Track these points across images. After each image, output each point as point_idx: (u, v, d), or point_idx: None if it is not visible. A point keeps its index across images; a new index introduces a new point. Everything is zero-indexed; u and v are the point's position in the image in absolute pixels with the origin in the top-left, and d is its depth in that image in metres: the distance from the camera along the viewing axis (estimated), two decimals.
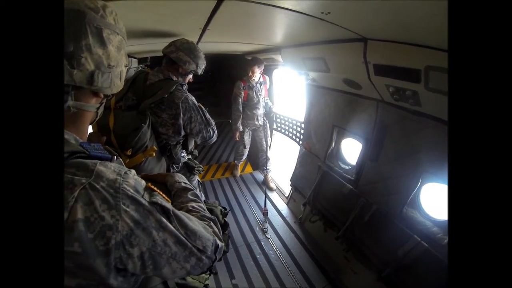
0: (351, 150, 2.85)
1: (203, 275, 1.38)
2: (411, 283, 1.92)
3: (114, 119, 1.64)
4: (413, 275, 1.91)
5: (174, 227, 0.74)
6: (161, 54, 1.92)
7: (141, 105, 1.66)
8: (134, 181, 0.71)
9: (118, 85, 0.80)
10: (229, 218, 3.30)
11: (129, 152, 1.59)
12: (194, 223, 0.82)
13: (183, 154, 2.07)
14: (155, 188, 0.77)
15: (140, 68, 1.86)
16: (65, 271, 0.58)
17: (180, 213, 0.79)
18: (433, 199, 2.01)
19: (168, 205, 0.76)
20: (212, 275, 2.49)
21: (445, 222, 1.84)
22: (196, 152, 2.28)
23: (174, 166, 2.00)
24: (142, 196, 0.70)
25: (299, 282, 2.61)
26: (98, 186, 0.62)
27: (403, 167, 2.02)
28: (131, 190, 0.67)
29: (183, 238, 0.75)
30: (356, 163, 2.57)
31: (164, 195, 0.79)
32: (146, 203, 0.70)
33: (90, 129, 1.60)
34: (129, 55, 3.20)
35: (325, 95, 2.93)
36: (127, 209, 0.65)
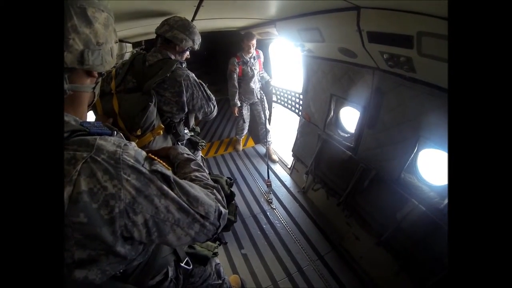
0: (349, 118, 2.88)
1: (212, 243, 1.48)
2: (409, 246, 2.01)
3: (118, 102, 1.66)
4: (410, 238, 1.99)
5: (176, 194, 0.76)
6: (152, 37, 1.90)
7: (145, 86, 1.66)
8: (134, 151, 0.73)
9: (110, 62, 0.81)
10: (235, 191, 3.40)
11: (138, 132, 1.62)
12: (196, 190, 0.84)
13: (186, 131, 2.12)
14: (155, 158, 0.79)
15: (135, 51, 1.87)
16: (75, 243, 0.63)
17: (182, 181, 0.81)
18: (429, 165, 2.06)
19: (169, 172, 0.78)
20: (222, 245, 2.63)
21: (441, 187, 1.90)
22: (198, 129, 2.33)
23: (179, 143, 2.05)
24: (143, 165, 0.72)
25: (305, 249, 2.74)
26: (99, 159, 0.64)
27: (400, 133, 2.07)
28: (131, 160, 0.70)
29: (185, 205, 0.77)
30: (355, 130, 2.62)
31: (164, 164, 0.81)
32: (147, 172, 0.72)
33: (92, 117, 1.64)
34: (123, 40, 3.16)
35: (321, 65, 2.92)
36: (128, 178, 0.67)
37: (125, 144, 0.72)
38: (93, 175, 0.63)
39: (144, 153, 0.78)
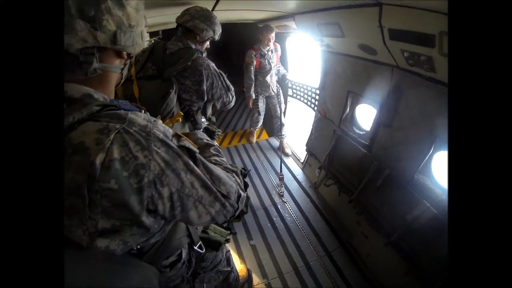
0: (365, 115, 2.85)
1: (224, 230, 1.51)
2: (418, 248, 1.99)
3: (139, 88, 1.67)
4: (420, 240, 1.97)
5: (201, 171, 0.79)
6: (172, 26, 1.91)
7: (165, 73, 1.68)
8: (163, 127, 0.76)
9: (140, 44, 0.84)
10: (247, 183, 3.44)
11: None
12: (219, 170, 0.87)
13: (203, 120, 2.15)
14: (182, 135, 0.82)
15: (153, 41, 1.89)
16: (101, 212, 0.65)
17: (206, 160, 0.84)
18: (444, 167, 2.01)
19: (195, 149, 0.81)
20: (231, 235, 2.68)
21: None
22: (213, 119, 2.35)
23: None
24: (171, 141, 0.75)
25: (313, 244, 2.75)
26: (131, 130, 0.67)
27: (416, 134, 2.03)
28: (161, 135, 0.72)
29: (209, 183, 0.80)
30: (370, 128, 2.59)
31: (190, 141, 0.83)
32: (175, 146, 0.75)
33: None
34: None
35: (340, 61, 2.89)
36: (158, 150, 0.70)
37: (155, 120, 0.75)
38: (125, 144, 0.65)
39: (171, 130, 0.80)
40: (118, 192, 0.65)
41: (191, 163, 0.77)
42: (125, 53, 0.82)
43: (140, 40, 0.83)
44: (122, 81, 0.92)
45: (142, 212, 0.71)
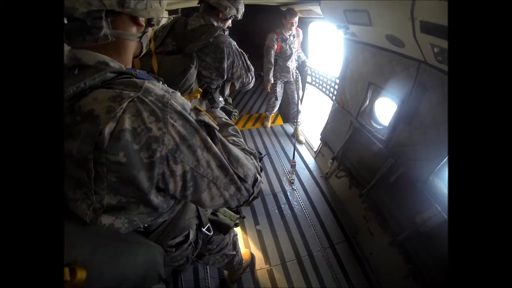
0: (385, 110, 2.75)
1: (234, 214, 1.47)
2: (423, 252, 1.95)
3: (158, 62, 1.66)
4: (426, 244, 1.93)
5: (218, 149, 0.74)
6: (191, 5, 1.85)
7: (186, 48, 1.65)
8: (181, 99, 0.70)
9: (156, 9, 0.77)
10: None
11: None
12: (237, 151, 0.82)
13: (220, 99, 2.13)
14: (202, 110, 0.77)
15: (172, 18, 1.85)
16: (107, 187, 0.61)
17: (224, 139, 0.79)
18: None
19: (214, 125, 0.75)
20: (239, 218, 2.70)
21: None
22: (230, 100, 2.33)
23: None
24: (189, 114, 0.70)
25: (318, 234, 2.75)
26: (146, 100, 0.62)
27: (436, 134, 1.95)
28: (179, 107, 0.67)
29: (226, 163, 0.75)
30: (389, 123, 2.50)
31: (210, 117, 0.77)
32: (193, 120, 0.69)
33: None
34: None
35: (364, 51, 2.77)
36: (175, 123, 0.65)
37: (173, 91, 0.70)
38: (138, 114, 0.60)
39: (190, 104, 0.75)
40: (126, 166, 0.60)
41: (209, 140, 0.72)
42: (142, 19, 0.76)
43: (157, 4, 0.77)
44: (143, 52, 0.87)
45: (151, 190, 0.67)
